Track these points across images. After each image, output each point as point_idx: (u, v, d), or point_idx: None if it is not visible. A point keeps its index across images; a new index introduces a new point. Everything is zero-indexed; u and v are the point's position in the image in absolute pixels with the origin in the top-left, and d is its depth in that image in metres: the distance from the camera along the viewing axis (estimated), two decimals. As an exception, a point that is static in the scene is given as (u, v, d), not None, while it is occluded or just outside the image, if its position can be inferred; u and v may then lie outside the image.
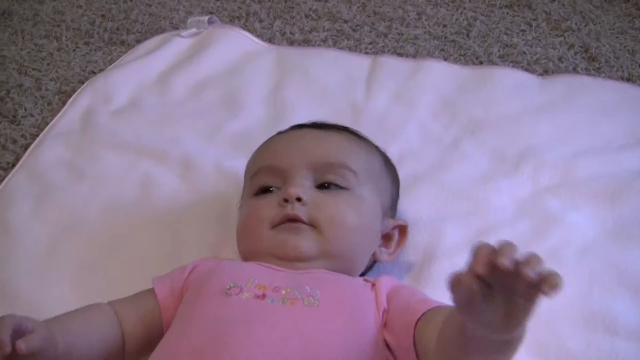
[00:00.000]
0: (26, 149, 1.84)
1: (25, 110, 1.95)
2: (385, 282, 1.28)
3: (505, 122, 1.82)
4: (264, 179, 1.40)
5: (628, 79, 1.99)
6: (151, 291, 1.32)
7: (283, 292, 1.21)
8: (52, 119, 1.93)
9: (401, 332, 1.17)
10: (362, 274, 1.43)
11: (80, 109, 1.94)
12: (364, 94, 1.95)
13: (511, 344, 1.02)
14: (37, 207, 1.67)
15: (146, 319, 1.29)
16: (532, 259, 0.94)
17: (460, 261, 1.47)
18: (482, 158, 1.73)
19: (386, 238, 1.43)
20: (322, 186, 1.36)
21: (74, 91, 2.02)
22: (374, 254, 1.40)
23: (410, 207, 1.60)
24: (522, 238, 1.52)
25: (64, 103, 1.98)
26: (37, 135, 1.87)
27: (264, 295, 1.20)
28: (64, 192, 1.71)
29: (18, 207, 1.67)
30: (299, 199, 1.31)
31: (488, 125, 1.82)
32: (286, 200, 1.32)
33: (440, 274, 1.47)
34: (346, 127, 1.50)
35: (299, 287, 1.22)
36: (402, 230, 1.45)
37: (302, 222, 1.31)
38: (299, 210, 1.31)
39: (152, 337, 1.25)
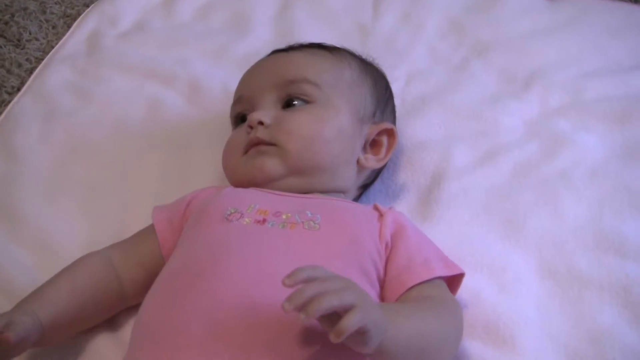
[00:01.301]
0: (31, 72, 1.79)
1: (30, 34, 1.89)
2: (393, 218, 1.24)
3: (514, 44, 1.76)
4: (237, 109, 1.39)
5: (635, 1, 1.92)
6: (151, 229, 1.30)
7: (284, 216, 1.18)
8: (57, 43, 1.87)
9: (393, 285, 1.17)
10: (365, 188, 1.41)
11: (86, 32, 1.89)
12: (371, 15, 1.89)
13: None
14: (43, 130, 1.63)
15: (147, 259, 1.27)
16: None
17: (468, 182, 1.46)
18: (490, 79, 1.68)
19: (374, 144, 1.37)
20: (288, 104, 1.32)
21: (79, 14, 1.96)
22: (359, 162, 1.35)
23: (419, 128, 1.56)
24: (531, 159, 1.49)
25: (69, 26, 1.93)
26: (42, 59, 1.82)
27: (264, 220, 1.18)
28: (71, 115, 1.66)
29: (24, 130, 1.62)
30: (261, 123, 1.29)
31: (496, 46, 1.76)
32: (251, 127, 1.30)
33: (449, 194, 1.44)
34: (316, 43, 1.46)
35: (300, 212, 1.19)
36: (390, 133, 1.38)
37: (265, 143, 1.28)
38: (261, 133, 1.28)
39: (156, 275, 1.21)
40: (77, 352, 1.27)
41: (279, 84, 1.33)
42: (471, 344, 1.25)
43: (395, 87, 1.58)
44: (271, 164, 1.27)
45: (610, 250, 1.35)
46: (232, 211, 1.20)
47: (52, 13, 1.96)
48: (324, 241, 1.15)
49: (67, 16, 1.96)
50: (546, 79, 1.65)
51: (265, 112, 1.30)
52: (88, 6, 1.98)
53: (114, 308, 1.27)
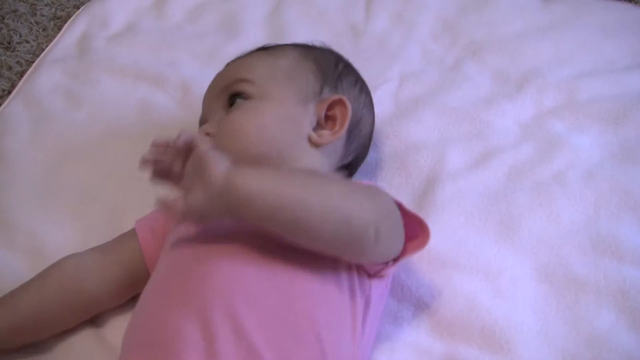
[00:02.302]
0: (22, 75, 1.77)
1: (20, 36, 1.86)
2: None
3: (507, 44, 1.73)
4: (202, 121, 1.39)
5: (630, 0, 1.90)
6: (132, 232, 1.31)
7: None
8: (47, 45, 1.85)
9: None
10: (351, 168, 1.40)
11: (77, 34, 1.86)
12: (363, 16, 1.86)
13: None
14: (34, 134, 1.60)
15: (125, 259, 1.29)
16: None
17: (463, 185, 1.44)
18: (484, 80, 1.65)
19: (329, 119, 1.33)
20: (230, 105, 1.31)
21: (70, 16, 1.93)
22: (311, 140, 1.30)
23: (412, 130, 1.53)
24: (525, 161, 1.47)
25: (59, 29, 1.90)
26: (33, 62, 1.80)
27: None
28: (62, 119, 1.64)
29: (15, 134, 1.60)
30: (208, 134, 1.28)
31: (490, 46, 1.73)
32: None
33: (443, 198, 1.42)
34: (262, 46, 1.44)
35: None
36: (341, 103, 1.33)
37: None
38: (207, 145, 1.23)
39: (136, 278, 1.25)
40: (64, 353, 1.28)
41: (219, 92, 1.33)
42: (467, 350, 1.24)
43: (388, 88, 1.57)
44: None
45: (606, 253, 1.33)
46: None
47: (42, 15, 1.93)
48: None
49: (58, 18, 1.93)
50: (540, 79, 1.62)
51: (211, 123, 1.31)
52: (78, 8, 1.95)
53: (88, 312, 1.29)
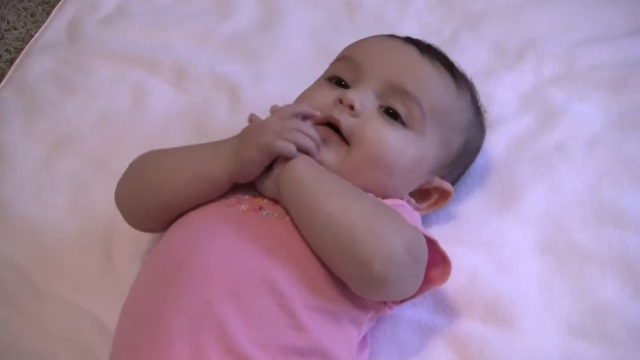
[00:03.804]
0: (11, 63, 1.78)
1: (8, 23, 1.87)
2: (390, 201, 1.22)
3: (505, 14, 1.74)
4: (343, 69, 1.30)
5: (628, -36, 1.90)
6: None
7: (281, 207, 1.17)
8: (36, 31, 1.85)
9: None
10: None
11: (66, 19, 1.86)
12: (358, -10, 1.86)
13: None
14: (27, 124, 1.61)
15: None
16: None
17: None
18: (482, 52, 1.67)
19: (423, 194, 1.32)
20: (388, 111, 1.25)
21: (58, 1, 1.93)
22: (408, 200, 1.30)
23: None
24: (527, 131, 1.49)
25: (48, 14, 1.90)
26: (22, 49, 1.80)
27: (260, 208, 1.17)
28: (55, 107, 1.65)
29: (8, 124, 1.61)
30: (352, 108, 1.22)
31: (487, 17, 1.74)
32: (341, 102, 1.23)
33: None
34: (447, 58, 1.36)
35: None
36: (443, 195, 1.33)
37: (340, 133, 1.22)
38: (344, 119, 1.22)
39: None
40: (65, 341, 1.30)
41: (393, 85, 1.25)
42: (471, 325, 1.25)
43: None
44: (326, 159, 1.20)
45: (609, 222, 1.34)
46: (230, 197, 1.20)
47: (30, 0, 1.94)
48: None
49: (46, 3, 1.94)
50: (539, 49, 1.63)
51: (363, 100, 1.23)
52: (67, -8, 1.95)
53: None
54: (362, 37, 1.40)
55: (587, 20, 1.71)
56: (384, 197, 1.22)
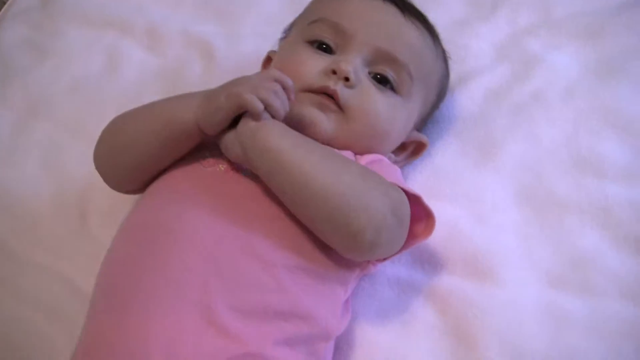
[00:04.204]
0: (-15, 30, 1.72)
1: (-19, -10, 1.82)
2: (370, 157, 1.20)
3: (479, -36, 1.69)
4: (324, 32, 1.25)
5: None
6: None
7: None
8: (10, -2, 1.80)
9: None
10: None
11: (40, -16, 1.81)
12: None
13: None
14: (0, 90, 1.57)
15: None
16: None
17: (440, 112, 1.41)
18: (457, 4, 1.62)
19: (401, 146, 1.31)
20: (376, 77, 1.22)
21: (32, -33, 1.87)
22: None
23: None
24: (503, 82, 1.45)
25: (20, -21, 1.85)
26: (-4, 16, 1.75)
27: (239, 168, 1.12)
28: (28, 73, 1.61)
29: (-20, 91, 1.57)
30: (347, 79, 1.18)
31: (461, -32, 1.68)
32: (334, 72, 1.18)
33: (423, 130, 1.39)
34: (429, 23, 1.33)
35: None
36: (419, 147, 1.32)
37: (337, 102, 1.18)
38: (341, 90, 1.18)
39: None
40: (42, 305, 1.28)
41: (382, 51, 1.22)
42: (450, 279, 1.23)
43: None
44: (325, 127, 1.18)
45: (588, 171, 1.31)
46: (207, 156, 1.15)
47: (3, -32, 1.89)
48: None
49: (20, -30, 1.88)
50: (514, -2, 1.59)
51: (356, 71, 1.19)
52: (39, -44, 1.90)
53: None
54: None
55: (562, -33, 1.65)
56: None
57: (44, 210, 1.39)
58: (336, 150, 1.17)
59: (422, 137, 1.31)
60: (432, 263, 1.25)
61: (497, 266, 1.23)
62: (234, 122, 1.08)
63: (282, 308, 1.04)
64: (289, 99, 1.10)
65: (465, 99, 1.43)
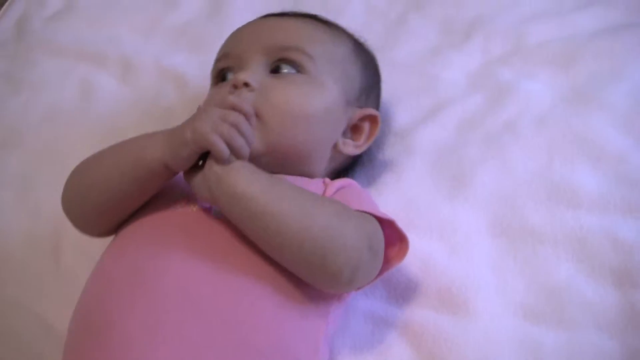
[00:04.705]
0: (-39, 62, 1.69)
1: (-43, 23, 1.79)
2: (336, 186, 1.16)
3: (451, -8, 1.65)
4: (220, 65, 1.26)
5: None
6: None
7: None
8: (-14, 30, 1.76)
9: None
10: (339, 173, 1.30)
11: (15, 16, 1.80)
12: (304, -27, 1.78)
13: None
14: (-28, 122, 1.52)
15: None
16: None
17: (412, 142, 1.37)
18: (429, 32, 1.58)
19: (355, 130, 1.27)
20: (276, 70, 1.20)
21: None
22: (335, 147, 1.24)
23: (357, 88, 1.46)
24: (475, 112, 1.41)
25: (-3, 13, 1.83)
26: (-28, 49, 1.72)
27: (210, 207, 1.08)
28: (2, 103, 1.59)
29: (-49, 123, 1.52)
30: (246, 84, 1.16)
31: (434, -3, 1.65)
32: (235, 87, 1.17)
33: (392, 157, 1.37)
34: (312, 14, 1.33)
35: None
36: (373, 120, 1.28)
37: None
38: (244, 98, 1.14)
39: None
40: (11, 342, 1.26)
41: (270, 48, 1.21)
42: (424, 313, 1.19)
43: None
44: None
45: (562, 201, 1.26)
46: (179, 196, 1.11)
47: (-21, -1, 1.86)
48: None
49: (-4, 2, 1.86)
50: (486, 26, 1.55)
51: (253, 74, 1.18)
52: (16, -12, 1.87)
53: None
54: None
55: (535, -5, 1.62)
56: (318, 155, 1.21)
57: (15, 243, 1.36)
58: (306, 179, 1.15)
59: (368, 110, 1.27)
60: (406, 297, 1.20)
61: (471, 299, 1.18)
62: (203, 156, 1.04)
63: (262, 345, 1.00)
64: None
65: (438, 128, 1.38)
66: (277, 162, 1.15)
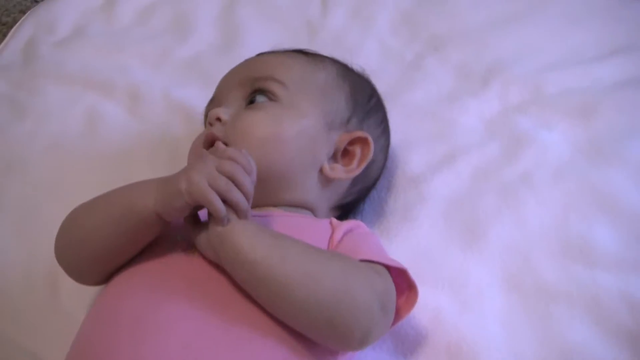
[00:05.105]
0: (-32, 85, 1.66)
1: (-36, 44, 1.77)
2: (344, 228, 1.12)
3: (470, 36, 1.64)
4: (207, 109, 1.29)
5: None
6: None
7: None
8: (-7, 52, 1.74)
9: None
10: (347, 210, 1.28)
11: (22, 40, 1.76)
12: (319, 11, 1.77)
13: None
14: (-25, 148, 1.50)
15: None
16: None
17: (426, 189, 1.34)
18: (446, 76, 1.56)
19: (346, 154, 1.23)
20: (250, 102, 1.21)
21: (16, 22, 1.84)
22: (322, 171, 1.20)
23: (371, 131, 1.44)
24: (491, 161, 1.38)
25: (4, 35, 1.83)
26: (-21, 71, 1.69)
27: None
28: (5, 130, 1.54)
29: (-44, 147, 1.49)
30: (218, 119, 1.18)
31: (451, 40, 1.64)
32: (211, 125, 1.18)
33: (405, 204, 1.33)
34: (298, 49, 1.33)
35: None
36: (364, 142, 1.23)
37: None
38: (216, 130, 1.17)
39: None
40: None
41: (245, 81, 1.22)
42: (433, 369, 1.15)
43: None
44: None
45: (578, 258, 1.24)
46: (179, 239, 1.07)
47: (-13, 21, 1.84)
48: None
49: (3, 24, 1.87)
50: (505, 73, 1.53)
51: (225, 109, 1.19)
52: (24, 13, 1.87)
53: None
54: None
55: (555, 44, 1.61)
56: (300, 180, 1.18)
57: (12, 277, 1.31)
58: (312, 219, 1.15)
59: (357, 133, 1.23)
60: (414, 351, 1.17)
61: (481, 356, 1.14)
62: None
63: None
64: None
65: (453, 176, 1.36)
66: (259, 189, 1.10)
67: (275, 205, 1.17)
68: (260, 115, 1.17)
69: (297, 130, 1.18)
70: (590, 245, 1.25)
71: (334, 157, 1.22)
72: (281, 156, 1.16)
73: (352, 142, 1.23)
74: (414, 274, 1.19)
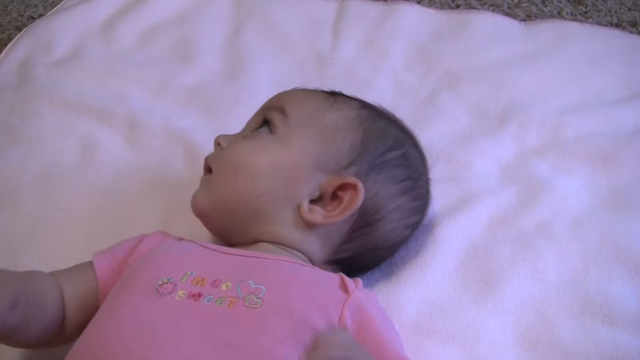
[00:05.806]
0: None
1: (-43, 61, 1.74)
2: (358, 303, 1.07)
3: (486, 74, 1.62)
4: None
5: (617, 25, 1.80)
6: (91, 267, 1.15)
7: (223, 287, 1.03)
8: (-14, 70, 1.72)
9: None
10: (352, 261, 1.22)
11: (17, 59, 1.73)
12: (330, 42, 1.74)
13: None
14: (-36, 174, 1.47)
15: (85, 297, 1.13)
16: None
17: (440, 235, 1.29)
18: (462, 114, 1.53)
19: (335, 199, 1.18)
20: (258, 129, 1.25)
21: (11, 39, 1.82)
22: (299, 210, 1.16)
23: (382, 172, 1.40)
24: (508, 208, 1.35)
25: (-1, 52, 1.79)
26: (-29, 89, 1.67)
27: (199, 295, 1.02)
28: (-3, 154, 1.51)
29: (-58, 174, 1.46)
30: (219, 145, 1.23)
31: (467, 77, 1.62)
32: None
33: (417, 252, 1.29)
34: (331, 90, 1.29)
35: (242, 281, 1.03)
36: (353, 189, 1.17)
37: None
38: (210, 157, 1.23)
39: (89, 318, 1.07)
40: None
41: (263, 109, 1.26)
42: None
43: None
44: (198, 195, 1.20)
45: (597, 316, 1.20)
46: (165, 281, 1.04)
47: (-19, 37, 1.81)
48: (266, 323, 1.00)
49: (-4, 40, 1.81)
50: (522, 114, 1.51)
51: (228, 136, 1.24)
52: (20, 30, 1.84)
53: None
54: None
55: (574, 85, 1.58)
56: (271, 214, 1.16)
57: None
58: (317, 270, 1.12)
59: (347, 179, 1.17)
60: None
61: (494, 419, 1.11)
62: None
63: None
64: None
65: (468, 223, 1.33)
66: (228, 218, 1.17)
67: (264, 241, 1.17)
68: (245, 146, 1.20)
69: (274, 165, 1.17)
70: (610, 302, 1.21)
71: (320, 200, 1.18)
72: (250, 189, 1.16)
73: (342, 188, 1.18)
74: (424, 328, 1.18)
